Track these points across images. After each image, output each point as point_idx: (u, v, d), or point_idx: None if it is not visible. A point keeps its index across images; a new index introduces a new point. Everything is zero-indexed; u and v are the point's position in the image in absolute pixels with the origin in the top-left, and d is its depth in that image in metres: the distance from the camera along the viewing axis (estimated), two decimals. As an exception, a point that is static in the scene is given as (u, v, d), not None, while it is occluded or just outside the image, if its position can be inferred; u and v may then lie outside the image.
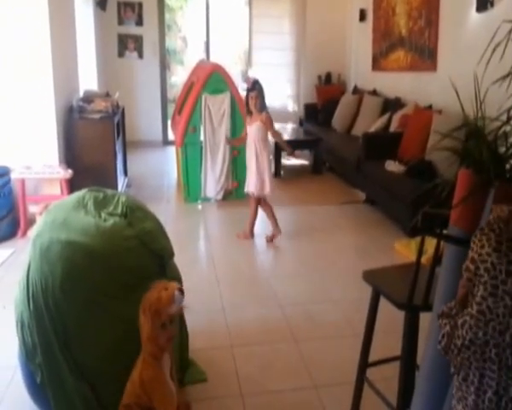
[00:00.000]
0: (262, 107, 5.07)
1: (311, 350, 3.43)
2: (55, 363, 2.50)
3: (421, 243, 2.27)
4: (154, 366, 2.39)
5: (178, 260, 4.53)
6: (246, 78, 5.65)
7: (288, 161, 8.65)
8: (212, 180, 6.26)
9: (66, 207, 2.77)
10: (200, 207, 6.27)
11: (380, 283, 2.57)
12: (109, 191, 2.93)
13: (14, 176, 5.12)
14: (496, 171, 1.87)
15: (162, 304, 2.32)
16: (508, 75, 1.90)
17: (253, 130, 5.04)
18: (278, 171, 7.79)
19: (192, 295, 4.04)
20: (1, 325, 3.52)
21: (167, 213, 6.08)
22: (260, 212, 5.30)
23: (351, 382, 2.82)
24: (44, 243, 2.56)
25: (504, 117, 1.89)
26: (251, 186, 5.13)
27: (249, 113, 5.10)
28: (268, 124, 5.04)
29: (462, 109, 2.12)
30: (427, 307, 2.27)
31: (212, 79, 6.03)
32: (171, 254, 2.86)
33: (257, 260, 4.98)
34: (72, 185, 5.20)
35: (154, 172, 7.85)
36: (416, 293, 2.32)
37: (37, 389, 2.63)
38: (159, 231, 2.82)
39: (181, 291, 2.37)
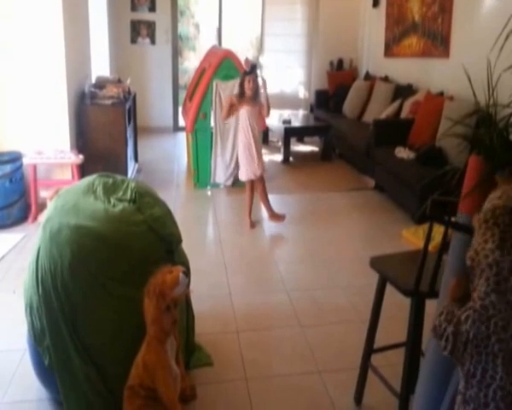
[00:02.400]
0: (257, 93, 5.05)
1: (317, 335, 3.45)
2: (63, 346, 2.53)
3: (429, 230, 2.27)
4: (158, 349, 2.41)
5: (187, 244, 4.56)
6: (245, 60, 5.52)
7: (297, 147, 8.63)
8: (222, 166, 6.27)
9: (76, 193, 2.79)
10: (209, 192, 6.30)
11: (386, 269, 2.58)
12: (119, 177, 2.95)
13: (25, 161, 5.16)
14: (507, 158, 1.87)
15: (167, 286, 2.34)
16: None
17: (247, 114, 5.03)
18: (287, 157, 7.78)
19: (199, 279, 4.08)
20: (11, 308, 3.57)
21: (177, 198, 6.12)
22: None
23: (355, 367, 2.85)
24: (54, 227, 2.58)
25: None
26: (249, 172, 5.17)
27: (241, 95, 5.03)
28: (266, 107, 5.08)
29: (474, 96, 2.12)
30: (434, 294, 2.28)
31: (223, 65, 6.02)
32: (179, 241, 2.87)
33: (265, 245, 5.01)
34: (83, 170, 5.24)
35: (165, 158, 7.87)
36: (423, 280, 2.33)
37: (44, 371, 2.67)
38: (167, 217, 2.83)
39: (185, 274, 2.39)
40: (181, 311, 2.90)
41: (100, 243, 2.54)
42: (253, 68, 5.10)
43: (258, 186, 5.27)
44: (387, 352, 2.88)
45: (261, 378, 3.04)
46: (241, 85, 5.01)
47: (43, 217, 2.78)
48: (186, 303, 3.04)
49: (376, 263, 2.64)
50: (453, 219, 2.10)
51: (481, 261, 1.50)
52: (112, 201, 2.74)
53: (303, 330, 3.50)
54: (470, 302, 1.54)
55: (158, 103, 9.48)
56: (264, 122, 6.12)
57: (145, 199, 2.78)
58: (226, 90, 6.04)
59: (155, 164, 7.47)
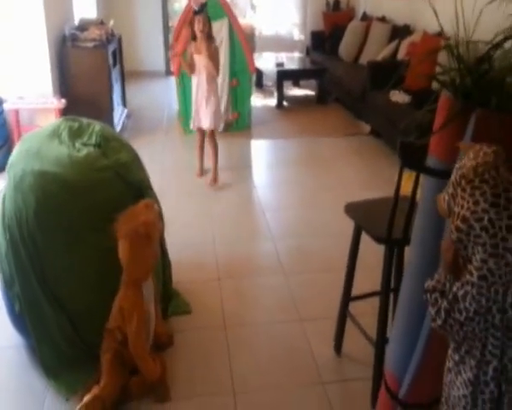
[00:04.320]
0: (210, 35, 4.67)
1: (300, 284, 3.40)
2: (33, 294, 2.50)
3: (400, 175, 2.19)
4: (134, 292, 2.36)
5: (171, 192, 4.51)
6: None
7: (293, 91, 8.44)
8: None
9: (41, 137, 2.71)
10: (198, 138, 6.14)
11: (360, 216, 2.50)
12: (85, 120, 2.84)
13: (7, 106, 5.04)
14: (479, 97, 1.76)
15: (152, 225, 2.31)
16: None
17: (202, 60, 4.65)
18: (281, 101, 7.59)
19: (184, 227, 4.04)
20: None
21: (165, 144, 6.00)
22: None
23: (336, 316, 2.80)
24: (18, 174, 2.51)
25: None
26: (208, 121, 4.82)
27: (193, 38, 4.65)
28: (216, 58, 4.72)
29: (442, 30, 1.99)
30: (407, 241, 2.20)
31: (208, 4, 5.76)
32: (148, 186, 2.79)
33: (254, 193, 4.89)
34: (67, 116, 5.10)
35: (155, 104, 7.70)
36: (397, 227, 2.25)
37: (16, 316, 2.65)
38: (135, 163, 2.74)
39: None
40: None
41: (64, 189, 2.47)
42: (202, 7, 4.76)
43: (210, 142, 4.96)
44: (370, 299, 2.82)
45: (240, 326, 3.01)
46: (192, 26, 4.65)
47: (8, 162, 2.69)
48: (161, 250, 2.97)
49: (351, 209, 2.56)
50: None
51: (474, 226, 1.36)
52: (77, 145, 2.66)
53: (287, 279, 3.45)
54: (467, 276, 1.42)
55: (148, 46, 9.17)
56: (252, 66, 5.92)
57: (111, 144, 2.69)
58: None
59: (145, 109, 7.31)
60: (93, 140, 2.67)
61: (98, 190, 2.52)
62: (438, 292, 1.51)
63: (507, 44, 1.75)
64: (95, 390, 2.33)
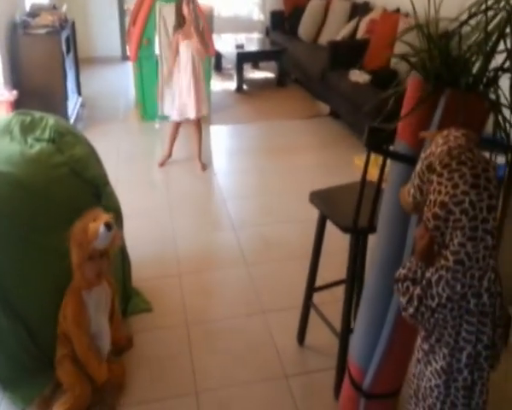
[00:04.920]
0: (198, 19, 4.57)
1: (262, 274, 3.36)
2: (-14, 300, 2.36)
3: (367, 161, 2.13)
4: (77, 300, 2.30)
5: (129, 183, 4.37)
6: None
7: (252, 74, 8.32)
8: (170, 98, 5.94)
9: (-9, 134, 2.56)
10: (157, 126, 5.99)
11: (325, 205, 2.44)
12: (37, 114, 2.70)
13: (-47, 99, 4.79)
14: (448, 79, 1.70)
15: (86, 237, 2.19)
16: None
17: (193, 43, 4.55)
18: (241, 85, 7.47)
19: (142, 220, 3.94)
20: None
21: (122, 132, 5.83)
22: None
23: (300, 306, 2.76)
24: (-33, 173, 2.36)
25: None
26: (199, 108, 4.75)
27: (180, 25, 4.55)
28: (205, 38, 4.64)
29: (414, 10, 1.92)
30: (373, 230, 2.16)
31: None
32: (105, 183, 2.67)
33: (214, 182, 4.78)
34: (20, 108, 4.89)
35: (112, 91, 7.46)
36: (363, 215, 2.19)
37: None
38: (91, 158, 2.63)
39: (108, 226, 2.19)
40: (115, 257, 2.74)
41: (17, 189, 2.34)
42: None
43: (195, 130, 4.93)
44: (334, 289, 2.78)
45: (202, 323, 2.95)
46: (179, 12, 4.53)
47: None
48: (121, 250, 2.88)
49: (316, 198, 2.50)
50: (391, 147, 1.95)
51: (453, 211, 1.32)
52: (29, 141, 2.53)
53: (248, 270, 3.40)
54: (442, 261, 1.38)
55: (103, 31, 8.85)
56: (213, 48, 5.78)
57: (65, 138, 2.57)
58: (171, 14, 5.62)
59: (101, 97, 7.08)
60: (46, 135, 2.54)
61: (53, 189, 2.41)
62: (409, 280, 1.48)
63: (472, 21, 1.70)
64: (69, 399, 2.29)
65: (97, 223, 2.19)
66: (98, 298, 2.36)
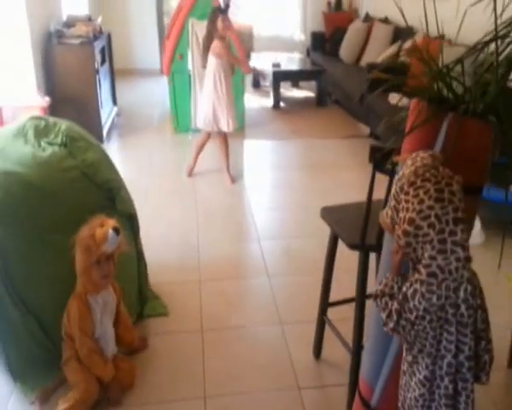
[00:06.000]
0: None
1: (283, 286, 3.31)
2: (-2, 296, 2.40)
3: (372, 179, 2.13)
4: (82, 304, 2.32)
5: (160, 191, 4.45)
6: None
7: (291, 92, 8.30)
8: (203, 109, 5.96)
9: (6, 136, 2.63)
10: (190, 138, 6.02)
11: (335, 221, 2.38)
12: (51, 120, 2.75)
13: (-11, 104, 4.92)
14: (452, 102, 1.67)
15: (94, 242, 2.21)
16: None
17: (216, 60, 4.61)
18: (277, 102, 7.45)
19: (169, 228, 3.97)
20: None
21: (155, 142, 5.90)
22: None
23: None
24: (-19, 173, 2.41)
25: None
26: (230, 122, 4.74)
27: (210, 39, 4.59)
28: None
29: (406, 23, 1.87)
30: (381, 247, 2.08)
31: (199, 2, 5.66)
32: (119, 187, 2.68)
33: (243, 195, 4.75)
34: (54, 114, 4.99)
35: (148, 102, 7.57)
36: (372, 232, 2.13)
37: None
38: (103, 163, 2.64)
39: (116, 230, 2.21)
40: (131, 260, 2.81)
41: (28, 190, 2.38)
42: (227, 7, 4.64)
43: (222, 142, 4.91)
44: (352, 304, 2.70)
45: (218, 330, 2.92)
46: (212, 24, 4.54)
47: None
48: (137, 252, 2.91)
49: (327, 214, 2.44)
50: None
51: (421, 226, 1.36)
52: (42, 144, 2.57)
53: (269, 281, 3.36)
54: (415, 275, 1.40)
55: (142, 44, 9.03)
56: (247, 66, 5.78)
57: (77, 143, 2.60)
58: (203, 30, 5.67)
59: (137, 108, 7.20)
60: (59, 139, 2.58)
61: (65, 191, 2.44)
62: (387, 296, 1.51)
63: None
64: (74, 395, 2.29)
65: (105, 228, 2.21)
66: (104, 302, 2.38)
